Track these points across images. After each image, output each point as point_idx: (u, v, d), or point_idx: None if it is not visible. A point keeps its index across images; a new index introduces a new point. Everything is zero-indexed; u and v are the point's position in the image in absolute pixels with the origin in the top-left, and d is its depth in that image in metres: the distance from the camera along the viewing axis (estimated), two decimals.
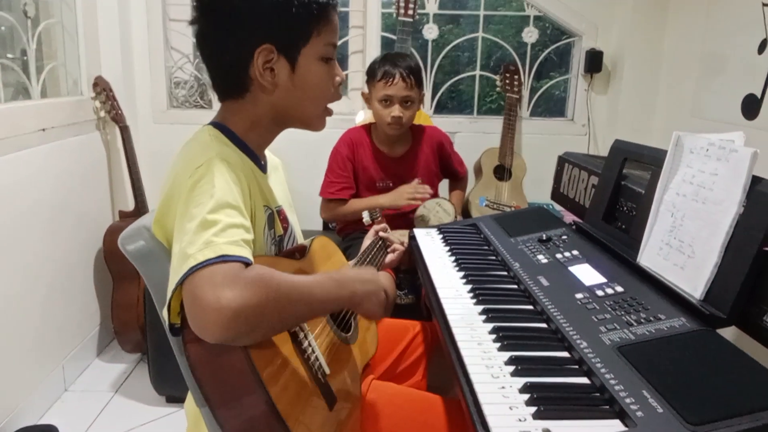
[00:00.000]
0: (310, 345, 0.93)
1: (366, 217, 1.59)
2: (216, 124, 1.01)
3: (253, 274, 0.79)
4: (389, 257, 1.44)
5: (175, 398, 2.05)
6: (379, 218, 1.54)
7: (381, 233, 1.45)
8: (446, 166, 2.21)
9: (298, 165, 2.43)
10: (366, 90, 2.07)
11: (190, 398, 1.07)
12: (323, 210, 2.13)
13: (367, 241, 1.44)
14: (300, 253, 1.09)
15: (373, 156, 2.08)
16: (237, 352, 0.79)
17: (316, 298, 0.87)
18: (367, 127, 2.14)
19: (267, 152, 1.14)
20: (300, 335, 0.92)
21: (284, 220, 1.11)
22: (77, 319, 2.25)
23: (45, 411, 2.02)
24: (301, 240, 1.18)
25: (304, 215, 2.11)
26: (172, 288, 0.82)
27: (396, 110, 1.94)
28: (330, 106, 1.06)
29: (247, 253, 0.82)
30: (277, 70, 0.96)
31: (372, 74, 1.99)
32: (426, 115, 2.61)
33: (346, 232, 2.15)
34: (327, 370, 0.94)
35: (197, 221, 0.82)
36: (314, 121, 1.05)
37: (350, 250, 1.96)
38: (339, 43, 1.02)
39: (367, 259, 1.32)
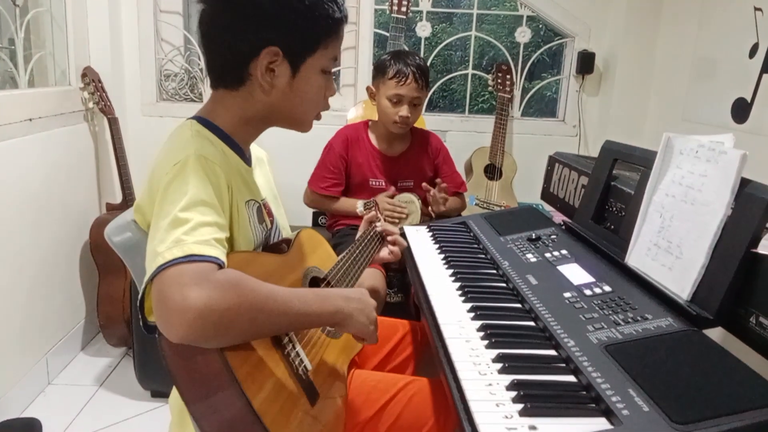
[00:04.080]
0: (290, 341, 0.92)
1: (360, 207, 1.58)
2: (200, 119, 1.00)
3: (225, 278, 0.78)
4: (384, 252, 1.42)
5: (160, 393, 2.04)
6: (373, 208, 1.54)
7: (378, 225, 1.44)
8: (436, 179, 2.19)
9: (288, 160, 2.41)
10: (371, 84, 2.07)
11: (174, 393, 1.06)
12: (307, 197, 2.12)
13: (361, 230, 1.43)
14: (286, 245, 1.08)
15: (368, 153, 2.08)
16: (212, 349, 0.78)
17: (294, 310, 0.85)
18: (365, 124, 2.13)
19: (251, 145, 1.14)
20: None
21: (269, 214, 1.10)
22: (62, 312, 2.23)
23: (28, 404, 1.99)
24: (287, 233, 1.17)
25: (294, 210, 2.10)
26: (143, 286, 0.81)
27: (405, 110, 1.95)
28: (329, 108, 1.08)
29: (218, 252, 0.81)
30: (277, 72, 0.96)
31: (382, 71, 1.97)
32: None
33: (335, 228, 2.14)
34: (309, 366, 0.94)
35: (169, 219, 0.82)
36: (304, 125, 1.06)
37: (340, 247, 1.95)
38: (340, 40, 1.03)
39: (359, 249, 1.31)
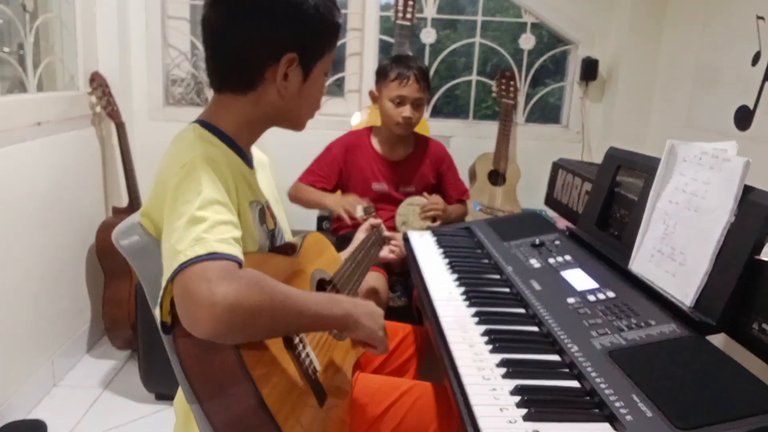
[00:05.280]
0: (301, 341, 0.93)
1: (360, 211, 1.60)
2: (202, 122, 1.01)
3: (249, 275, 0.79)
4: (384, 252, 1.44)
5: (165, 395, 2.04)
6: (374, 213, 1.55)
7: (385, 234, 1.46)
8: (439, 187, 2.20)
9: (292, 165, 2.43)
10: (374, 88, 2.09)
11: (179, 395, 1.07)
12: (292, 188, 2.11)
13: (362, 234, 1.45)
14: (292, 249, 1.09)
15: (370, 157, 2.09)
16: (227, 348, 0.80)
17: (309, 311, 0.87)
18: (368, 130, 2.15)
19: (253, 148, 1.15)
20: None
21: (272, 216, 1.12)
22: (68, 314, 2.24)
23: (34, 406, 2.00)
24: (288, 236, 1.19)
25: (298, 215, 2.12)
26: (163, 285, 0.82)
27: (407, 110, 1.97)
28: (327, 108, 1.09)
29: (237, 251, 0.82)
30: (290, 77, 0.98)
31: (384, 74, 2.01)
32: (422, 120, 2.61)
33: (340, 233, 2.15)
34: (318, 367, 0.95)
35: (186, 218, 0.82)
36: (302, 125, 1.09)
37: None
38: (337, 44, 1.07)
39: (362, 252, 1.32)
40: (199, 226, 0.81)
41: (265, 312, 0.79)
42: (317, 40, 0.99)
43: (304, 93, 1.02)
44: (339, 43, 1.09)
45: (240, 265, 0.81)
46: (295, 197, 2.13)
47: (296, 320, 0.87)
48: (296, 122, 1.07)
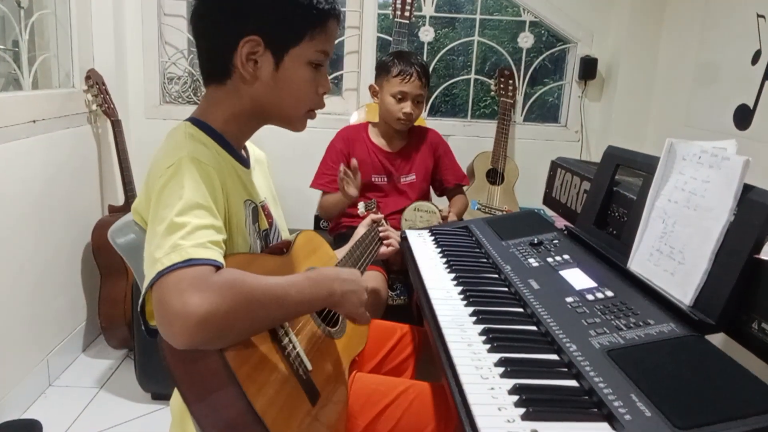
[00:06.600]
0: (290, 341, 0.92)
1: (361, 208, 1.59)
2: (194, 120, 1.00)
3: (223, 279, 0.78)
4: (382, 249, 1.44)
5: (161, 395, 2.04)
6: (375, 209, 1.54)
7: (381, 230, 1.45)
8: (437, 172, 2.20)
9: (290, 162, 2.43)
10: (373, 83, 2.11)
11: (176, 395, 1.07)
12: (318, 205, 2.16)
13: (362, 229, 1.44)
14: (286, 248, 1.08)
15: (368, 151, 2.11)
16: (211, 351, 0.79)
17: (291, 299, 0.87)
18: (364, 125, 2.16)
19: (251, 145, 1.14)
20: (280, 332, 0.91)
21: (268, 215, 1.10)
22: (63, 313, 2.23)
23: (29, 405, 1.99)
24: (285, 235, 1.18)
25: (296, 212, 2.11)
26: (143, 291, 0.82)
27: (408, 107, 1.99)
28: (325, 106, 1.07)
29: (215, 255, 0.81)
30: (260, 63, 0.96)
31: (386, 69, 2.03)
32: (420, 118, 2.61)
33: (337, 231, 2.15)
34: (309, 366, 0.94)
35: (165, 224, 0.82)
36: (294, 121, 1.05)
37: None
38: (335, 42, 1.03)
39: (359, 249, 1.31)
40: (177, 233, 0.80)
41: (242, 313, 0.79)
42: (286, 23, 0.95)
43: (280, 81, 0.98)
44: (336, 41, 1.06)
45: (218, 268, 0.80)
46: (323, 210, 2.14)
47: (278, 312, 0.86)
48: (284, 117, 1.03)
